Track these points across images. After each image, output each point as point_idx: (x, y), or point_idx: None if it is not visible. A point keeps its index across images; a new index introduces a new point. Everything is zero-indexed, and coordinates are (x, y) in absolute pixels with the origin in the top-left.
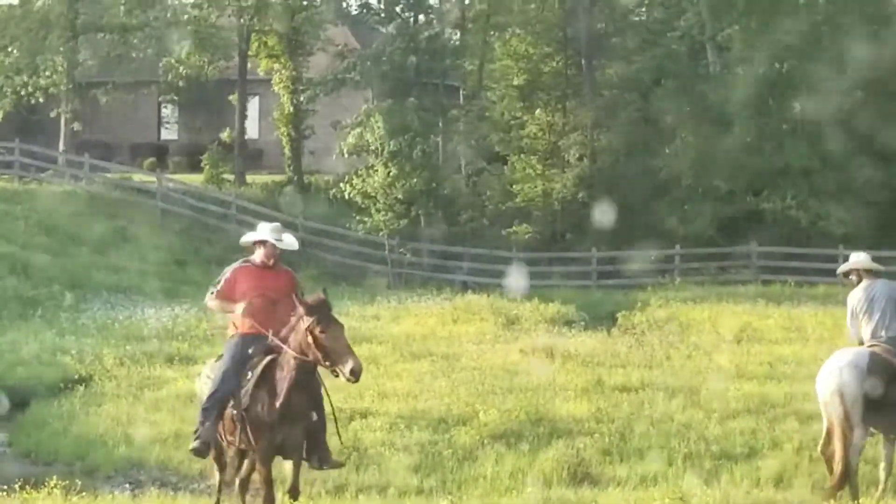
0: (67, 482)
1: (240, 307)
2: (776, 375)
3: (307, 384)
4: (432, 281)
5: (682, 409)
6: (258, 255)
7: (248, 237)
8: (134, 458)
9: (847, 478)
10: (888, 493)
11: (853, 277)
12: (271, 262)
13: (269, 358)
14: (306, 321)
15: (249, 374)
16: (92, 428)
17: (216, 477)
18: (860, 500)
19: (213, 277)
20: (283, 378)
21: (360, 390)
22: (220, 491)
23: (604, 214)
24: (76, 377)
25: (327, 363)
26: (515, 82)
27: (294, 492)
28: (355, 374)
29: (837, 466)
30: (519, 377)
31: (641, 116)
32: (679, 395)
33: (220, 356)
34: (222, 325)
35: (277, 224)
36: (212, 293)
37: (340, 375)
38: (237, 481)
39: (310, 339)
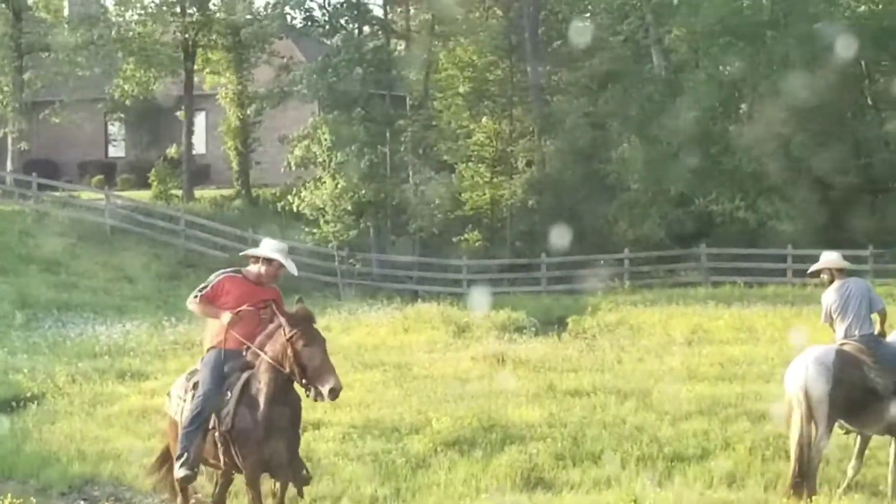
0: (22, 500)
1: (226, 316)
2: (727, 376)
3: (285, 396)
4: (382, 291)
5: (635, 411)
6: (255, 270)
7: (256, 251)
8: (87, 475)
9: (806, 475)
10: (853, 490)
11: (824, 276)
12: (269, 281)
13: (247, 374)
14: (287, 332)
15: (229, 393)
16: (45, 445)
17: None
18: (816, 499)
19: (163, 293)
20: (260, 391)
21: (312, 401)
22: None
23: (555, 229)
24: (28, 395)
25: (303, 380)
26: (461, 90)
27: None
28: (334, 395)
29: (795, 463)
30: (471, 384)
31: (588, 121)
32: (631, 398)
33: (191, 373)
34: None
35: (285, 246)
36: (196, 297)
37: (313, 392)
38: (214, 498)
39: (289, 351)
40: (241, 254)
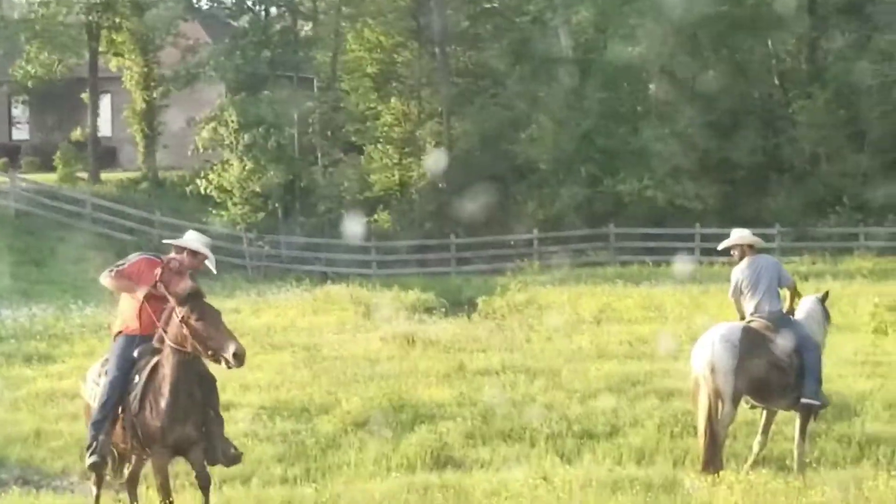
0: None
1: (142, 291)
2: (636, 354)
3: (193, 378)
4: (292, 273)
5: (544, 390)
6: (177, 258)
7: (182, 242)
8: None
9: (713, 450)
10: (761, 465)
11: (734, 253)
12: (189, 271)
13: (155, 359)
14: (179, 312)
15: (137, 377)
16: None
17: (94, 491)
18: (723, 473)
19: (70, 276)
20: (165, 377)
21: (223, 382)
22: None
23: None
24: None
25: (209, 352)
26: (369, 72)
27: (203, 479)
28: (238, 358)
29: (703, 439)
30: (380, 365)
31: (496, 103)
32: (540, 376)
33: (106, 359)
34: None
35: (209, 240)
36: (111, 272)
37: (223, 362)
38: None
39: (185, 330)
40: (165, 241)
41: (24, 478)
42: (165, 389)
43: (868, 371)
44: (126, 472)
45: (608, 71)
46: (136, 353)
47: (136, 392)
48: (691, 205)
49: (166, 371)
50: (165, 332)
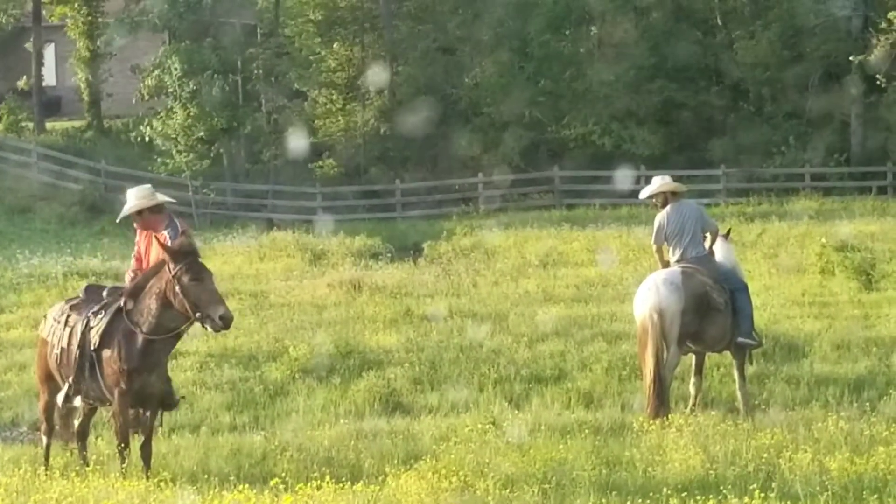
0: None
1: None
2: (583, 298)
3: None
4: (237, 220)
5: (491, 335)
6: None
7: (126, 210)
8: None
9: (661, 394)
10: (698, 407)
11: (656, 201)
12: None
13: (121, 300)
14: (172, 268)
15: (102, 312)
16: None
17: (44, 441)
18: (672, 416)
19: (17, 227)
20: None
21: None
22: (47, 453)
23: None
24: None
25: (196, 313)
26: (312, 17)
27: (147, 449)
28: (225, 321)
29: (651, 384)
30: (328, 311)
31: (439, 47)
32: (487, 321)
33: (69, 299)
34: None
35: (145, 186)
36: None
37: (208, 324)
38: (76, 429)
39: (177, 287)
40: (119, 218)
41: None
42: (139, 339)
43: (815, 312)
44: (75, 424)
45: (551, 13)
46: (104, 293)
47: (99, 326)
48: (636, 149)
49: (143, 318)
50: (149, 279)
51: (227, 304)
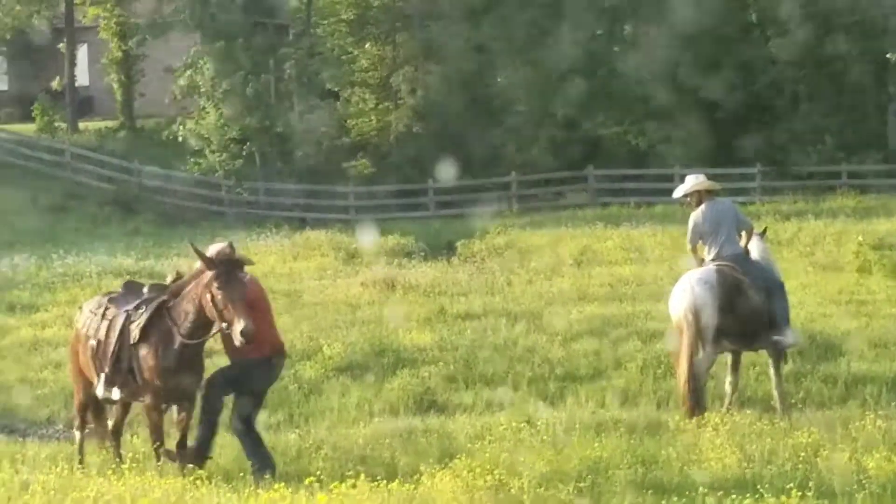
0: None
1: None
2: (617, 296)
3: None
4: (270, 219)
5: (526, 333)
6: None
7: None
8: None
9: (697, 393)
10: (734, 406)
11: (690, 200)
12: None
13: (163, 297)
14: (207, 276)
15: (143, 307)
16: None
17: (77, 437)
18: (708, 415)
19: (51, 226)
20: (178, 326)
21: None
22: (81, 449)
23: (442, 155)
24: None
25: (222, 322)
26: (344, 17)
27: (182, 447)
28: (245, 336)
29: (686, 383)
30: (361, 310)
31: (471, 47)
32: (522, 320)
33: (106, 294)
34: None
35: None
36: None
37: (234, 338)
38: (110, 427)
39: (208, 295)
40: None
41: (10, 427)
42: (177, 336)
43: (853, 310)
44: (109, 423)
45: (583, 11)
46: (145, 290)
47: (139, 321)
48: (671, 147)
49: (181, 322)
50: (187, 285)
51: (248, 318)
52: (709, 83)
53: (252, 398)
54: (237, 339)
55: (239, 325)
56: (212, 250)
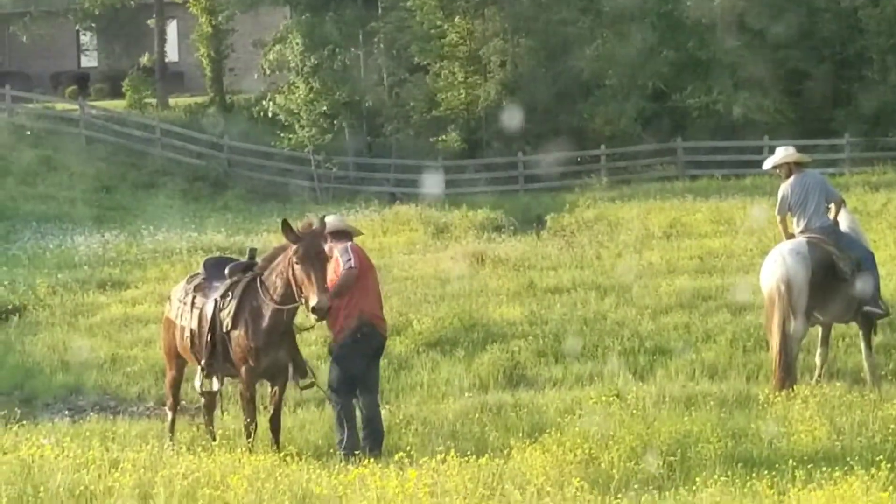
0: (6, 411)
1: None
2: (707, 269)
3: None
4: (360, 194)
5: (615, 307)
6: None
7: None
8: (71, 385)
9: (787, 366)
10: (824, 378)
11: (780, 171)
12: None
13: (248, 276)
14: (291, 249)
15: (230, 293)
16: (28, 357)
17: (169, 416)
18: (798, 388)
19: (141, 202)
20: (266, 302)
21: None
22: (172, 428)
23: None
24: (10, 307)
25: (301, 297)
26: None
27: (276, 422)
28: (317, 312)
29: (777, 355)
30: (451, 284)
31: (560, 19)
32: (611, 293)
33: (192, 276)
34: None
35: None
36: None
37: (308, 310)
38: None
39: (290, 268)
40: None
41: (101, 404)
42: (267, 313)
43: None
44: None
45: None
46: (226, 271)
47: (229, 308)
48: (760, 117)
49: (268, 297)
50: (276, 258)
51: (326, 295)
52: (797, 53)
53: (344, 372)
54: (310, 315)
55: (312, 301)
56: (331, 222)
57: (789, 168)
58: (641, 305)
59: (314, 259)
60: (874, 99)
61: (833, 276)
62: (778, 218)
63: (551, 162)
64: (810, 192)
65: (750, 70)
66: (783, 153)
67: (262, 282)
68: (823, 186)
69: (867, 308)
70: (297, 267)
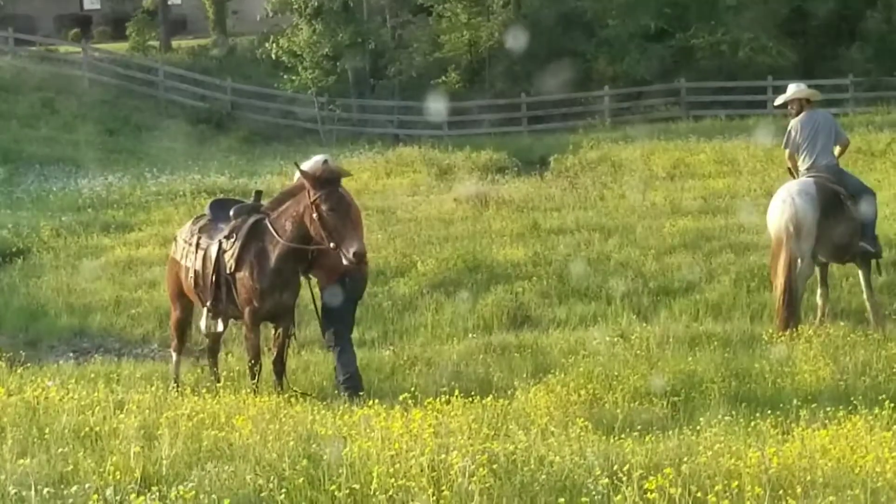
0: (11, 354)
1: None
2: (710, 209)
3: (300, 250)
4: (364, 136)
5: (619, 247)
6: None
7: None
8: (76, 327)
9: (792, 306)
10: (827, 318)
11: (791, 108)
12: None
13: (254, 218)
14: (312, 195)
15: (234, 235)
16: (33, 299)
17: (174, 357)
18: (801, 328)
19: (144, 145)
20: (277, 243)
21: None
22: (177, 370)
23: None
24: (13, 250)
25: (331, 244)
26: None
27: (279, 364)
28: (358, 258)
29: (782, 295)
30: (454, 226)
31: None
32: (615, 234)
33: (197, 217)
34: None
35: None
36: None
37: (343, 257)
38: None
39: (314, 214)
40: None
41: (105, 346)
42: (273, 255)
43: None
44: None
45: None
46: (231, 213)
47: (233, 251)
48: (764, 58)
49: (275, 242)
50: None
51: (361, 239)
52: None
53: (335, 313)
54: (347, 260)
55: (352, 247)
56: (309, 165)
57: (800, 104)
58: (645, 246)
59: (343, 204)
60: (879, 39)
61: (840, 215)
62: (786, 153)
63: (555, 103)
64: (820, 130)
65: (753, 10)
66: (794, 89)
67: (270, 223)
68: (832, 126)
69: (861, 244)
70: (327, 214)
